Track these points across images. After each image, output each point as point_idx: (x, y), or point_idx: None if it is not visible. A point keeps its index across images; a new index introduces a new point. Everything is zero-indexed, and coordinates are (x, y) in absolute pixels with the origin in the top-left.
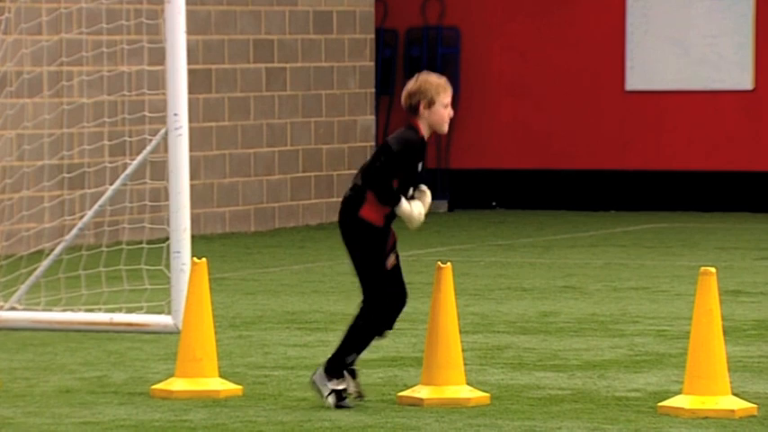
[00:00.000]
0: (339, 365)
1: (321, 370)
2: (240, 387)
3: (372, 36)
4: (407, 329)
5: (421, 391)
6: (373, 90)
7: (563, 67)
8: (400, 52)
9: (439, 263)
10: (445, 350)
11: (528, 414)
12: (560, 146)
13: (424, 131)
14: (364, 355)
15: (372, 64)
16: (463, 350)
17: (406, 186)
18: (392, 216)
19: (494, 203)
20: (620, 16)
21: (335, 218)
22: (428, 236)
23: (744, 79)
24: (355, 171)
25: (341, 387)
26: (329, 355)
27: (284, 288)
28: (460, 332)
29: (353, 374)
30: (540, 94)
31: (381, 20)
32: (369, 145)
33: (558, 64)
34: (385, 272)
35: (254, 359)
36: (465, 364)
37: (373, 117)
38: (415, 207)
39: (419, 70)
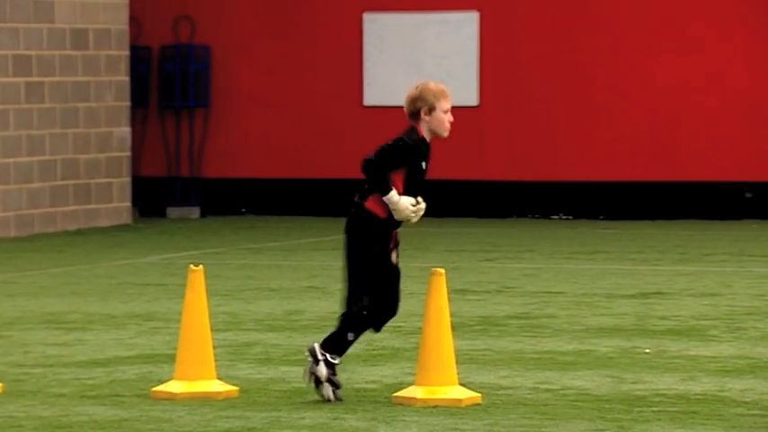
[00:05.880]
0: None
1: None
2: (1, 384)
3: (127, 53)
4: (162, 328)
5: (173, 386)
6: (129, 103)
7: (306, 84)
8: (154, 68)
9: (191, 265)
10: (198, 347)
11: (275, 406)
12: (305, 157)
13: (426, 136)
14: (118, 352)
15: (128, 79)
16: (214, 347)
17: (412, 186)
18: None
19: (244, 210)
20: (358, 37)
21: (93, 223)
22: (181, 240)
23: (470, 96)
24: (111, 179)
25: (335, 362)
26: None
27: (43, 290)
28: (212, 330)
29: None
30: (286, 108)
31: (135, 37)
32: (125, 155)
33: (302, 81)
34: (383, 271)
35: (14, 358)
36: (216, 360)
37: (129, 128)
38: (405, 199)
39: (173, 85)
